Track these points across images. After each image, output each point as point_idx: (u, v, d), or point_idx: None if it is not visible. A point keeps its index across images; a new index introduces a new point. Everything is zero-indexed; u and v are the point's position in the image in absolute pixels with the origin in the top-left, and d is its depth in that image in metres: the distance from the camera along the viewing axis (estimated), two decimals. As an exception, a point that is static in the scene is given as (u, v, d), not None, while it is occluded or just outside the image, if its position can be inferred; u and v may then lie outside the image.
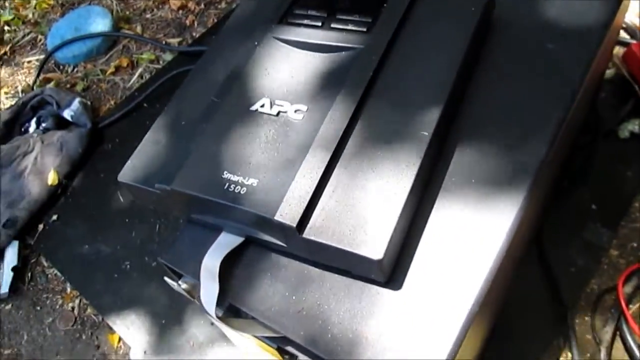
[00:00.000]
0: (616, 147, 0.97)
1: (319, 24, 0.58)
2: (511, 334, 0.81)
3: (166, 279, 0.55)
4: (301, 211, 0.45)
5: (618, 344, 0.78)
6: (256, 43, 0.58)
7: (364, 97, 0.51)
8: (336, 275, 0.49)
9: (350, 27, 0.56)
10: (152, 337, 0.90)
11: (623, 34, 1.08)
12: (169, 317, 0.92)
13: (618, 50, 1.06)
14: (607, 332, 0.76)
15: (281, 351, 0.53)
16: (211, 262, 0.51)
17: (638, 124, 0.97)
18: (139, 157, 0.55)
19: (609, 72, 1.03)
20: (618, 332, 0.77)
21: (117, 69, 1.30)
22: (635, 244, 0.87)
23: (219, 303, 0.51)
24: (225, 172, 0.49)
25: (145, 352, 0.89)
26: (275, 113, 0.52)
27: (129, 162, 0.55)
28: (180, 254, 0.53)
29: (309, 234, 0.46)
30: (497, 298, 0.51)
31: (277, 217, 0.45)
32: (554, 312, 0.83)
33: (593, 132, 0.97)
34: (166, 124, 0.57)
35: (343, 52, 0.55)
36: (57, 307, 1.00)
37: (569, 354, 0.79)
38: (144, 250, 1.00)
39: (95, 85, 1.29)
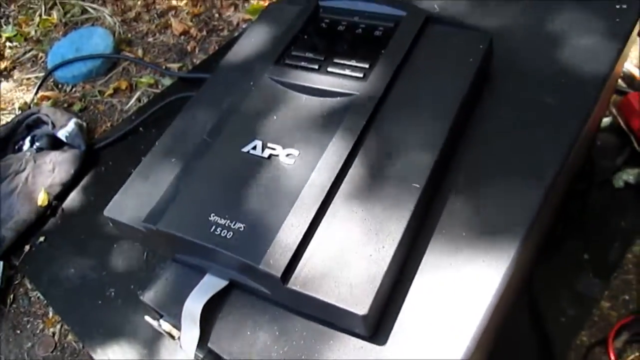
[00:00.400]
0: (611, 196, 0.96)
1: (316, 67, 0.57)
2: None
3: (147, 318, 0.53)
4: (287, 261, 0.44)
5: (607, 400, 0.76)
6: (252, 83, 0.58)
7: (356, 145, 0.51)
8: (321, 326, 0.48)
9: (347, 72, 0.56)
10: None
11: (620, 82, 1.08)
12: (151, 349, 0.90)
13: (615, 97, 1.07)
14: (596, 388, 0.74)
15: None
16: (193, 306, 0.50)
17: (633, 175, 0.97)
18: (126, 193, 0.54)
19: (606, 120, 1.03)
20: (608, 388, 0.76)
21: (116, 91, 1.30)
22: (627, 297, 0.86)
23: (200, 346, 0.50)
24: (212, 214, 0.49)
25: (124, 385, 0.87)
26: (266, 156, 0.52)
27: (116, 196, 0.54)
28: (162, 294, 0.52)
29: (293, 284, 0.45)
30: (486, 351, 0.50)
31: (262, 266, 0.44)
32: (543, 364, 0.81)
33: (588, 180, 0.97)
34: (156, 160, 0.56)
35: (338, 98, 0.54)
36: (38, 331, 0.98)
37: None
38: (130, 278, 0.98)
39: (93, 106, 1.29)
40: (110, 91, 1.30)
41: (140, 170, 0.56)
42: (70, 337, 0.96)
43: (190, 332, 0.48)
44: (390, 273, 0.45)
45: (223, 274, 0.51)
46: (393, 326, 0.47)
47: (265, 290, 0.48)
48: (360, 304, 0.43)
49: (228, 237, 0.47)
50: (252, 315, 0.50)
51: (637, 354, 0.80)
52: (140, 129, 1.19)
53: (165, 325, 0.54)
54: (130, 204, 0.54)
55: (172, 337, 0.55)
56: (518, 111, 0.58)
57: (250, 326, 0.49)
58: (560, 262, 0.89)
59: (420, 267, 0.49)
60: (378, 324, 0.46)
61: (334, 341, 0.47)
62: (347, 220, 0.47)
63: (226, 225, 0.48)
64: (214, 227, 0.48)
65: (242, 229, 0.47)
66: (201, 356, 0.51)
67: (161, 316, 0.55)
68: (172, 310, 0.51)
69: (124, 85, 1.30)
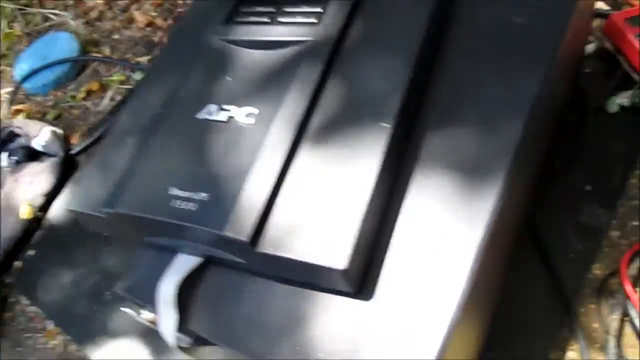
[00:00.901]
0: (607, 122, 0.92)
1: (267, 19, 0.53)
2: (514, 330, 0.76)
3: (123, 309, 0.50)
4: (253, 224, 0.41)
5: (627, 329, 0.73)
6: (202, 47, 0.54)
7: (316, 93, 0.47)
8: (304, 289, 0.44)
9: (299, 19, 0.52)
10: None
11: (602, 5, 1.04)
12: (156, 348, 0.87)
13: (600, 22, 1.02)
14: (614, 319, 0.71)
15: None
16: (167, 288, 0.47)
17: (627, 97, 0.92)
18: (83, 182, 0.51)
19: (591, 47, 0.98)
20: (626, 318, 0.72)
21: (88, 93, 1.26)
22: (635, 223, 0.82)
23: (183, 330, 0.46)
24: (171, 187, 0.45)
25: (131, 387, 0.84)
26: (224, 119, 0.48)
27: (71, 187, 0.51)
28: (135, 282, 0.49)
29: (264, 247, 0.41)
30: (488, 293, 0.46)
31: (227, 233, 0.41)
32: (556, 303, 0.78)
33: (581, 109, 0.92)
34: (112, 144, 0.53)
35: (293, 47, 0.50)
36: (40, 346, 0.95)
37: (577, 346, 0.74)
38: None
39: (67, 112, 1.25)
40: (82, 95, 1.26)
41: (97, 157, 0.53)
42: (73, 346, 0.93)
43: (167, 316, 0.45)
44: (367, 222, 0.42)
45: (194, 251, 0.47)
46: (378, 279, 0.44)
47: (239, 260, 0.45)
48: (338, 259, 0.40)
49: (191, 208, 0.44)
50: (231, 289, 0.46)
51: (653, 279, 0.77)
52: (116, 127, 1.15)
53: (147, 315, 0.51)
54: (88, 192, 0.50)
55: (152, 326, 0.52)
56: (488, 37, 0.53)
57: (231, 301, 0.46)
58: (562, 197, 0.85)
59: (402, 211, 0.46)
60: (362, 278, 0.43)
61: (319, 303, 0.43)
62: (315, 172, 0.44)
63: (188, 197, 0.45)
64: (174, 201, 0.44)
65: (206, 198, 0.44)
66: (188, 340, 0.48)
67: (142, 307, 0.52)
68: (147, 297, 0.48)
69: (95, 86, 1.26)
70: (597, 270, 0.79)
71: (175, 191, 0.45)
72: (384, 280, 0.43)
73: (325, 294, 0.44)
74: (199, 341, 0.49)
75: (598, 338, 0.73)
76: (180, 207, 0.44)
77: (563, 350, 0.74)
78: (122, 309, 0.50)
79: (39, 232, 1.07)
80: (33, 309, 0.99)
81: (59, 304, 0.97)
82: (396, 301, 0.42)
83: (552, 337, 0.75)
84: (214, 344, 0.49)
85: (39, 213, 1.06)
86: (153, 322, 0.52)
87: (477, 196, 0.45)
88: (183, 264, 0.47)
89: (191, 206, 0.44)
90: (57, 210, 1.08)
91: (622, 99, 0.92)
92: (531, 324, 0.77)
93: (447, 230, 0.43)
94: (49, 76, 1.29)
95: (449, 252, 0.43)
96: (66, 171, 1.10)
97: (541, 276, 0.80)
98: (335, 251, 0.40)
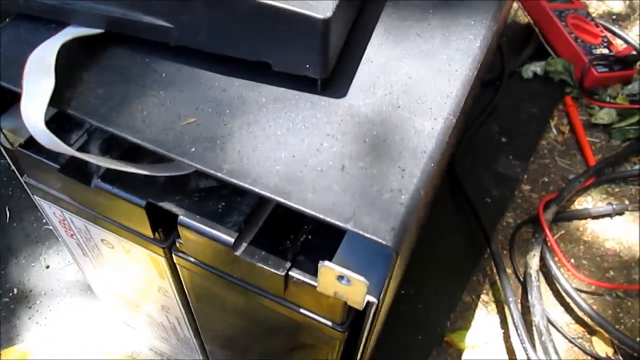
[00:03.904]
0: (521, 86, 0.92)
1: None
2: (430, 269, 0.69)
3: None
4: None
5: (540, 276, 0.69)
6: None
7: None
8: (244, 80, 0.32)
9: None
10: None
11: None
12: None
13: None
14: (532, 259, 0.67)
15: (153, 214, 0.34)
16: (44, 52, 0.31)
17: (540, 66, 0.93)
18: None
19: (509, 17, 0.99)
20: (541, 263, 0.68)
21: None
22: (545, 179, 0.81)
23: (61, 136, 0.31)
24: None
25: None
26: None
27: None
28: (-8, 56, 0.33)
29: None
30: (432, 191, 0.36)
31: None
32: (472, 246, 0.73)
33: (499, 71, 0.91)
34: None
35: None
36: None
37: (489, 291, 0.69)
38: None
39: None
40: None
41: None
42: None
43: (37, 85, 0.30)
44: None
45: (95, 18, 0.33)
46: (352, 80, 0.33)
47: (164, 24, 0.31)
48: (320, 7, 0.28)
49: None
50: (144, 74, 0.33)
51: (563, 231, 0.75)
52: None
53: (5, 122, 0.35)
54: None
55: (11, 143, 0.36)
56: None
57: (143, 87, 0.32)
58: (479, 144, 0.82)
59: (378, 22, 0.36)
60: (334, 69, 0.32)
61: (270, 96, 0.31)
62: None
63: None
64: None
65: None
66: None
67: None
68: (7, 72, 0.32)
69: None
70: (510, 219, 0.76)
71: None
72: (354, 86, 0.32)
73: (278, 87, 0.32)
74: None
75: (512, 283, 0.68)
76: None
77: (477, 292, 0.69)
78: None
79: None
80: None
81: None
82: (367, 109, 0.31)
83: (465, 280, 0.70)
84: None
85: None
86: (13, 132, 0.36)
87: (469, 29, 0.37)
88: (70, 33, 0.33)
89: None
90: None
91: (536, 67, 0.93)
92: (446, 265, 0.70)
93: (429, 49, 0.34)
94: None
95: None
96: None
97: (457, 219, 0.75)
98: (319, 3, 0.28)
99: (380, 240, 0.25)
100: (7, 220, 0.70)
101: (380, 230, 0.26)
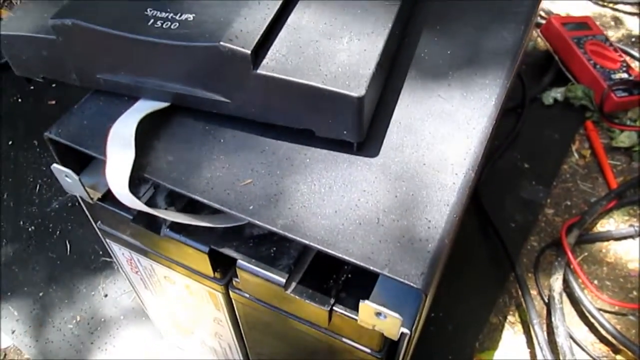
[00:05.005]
0: (542, 112, 0.96)
1: None
2: (457, 293, 0.73)
3: (56, 166, 0.40)
4: (257, 37, 0.34)
5: (564, 297, 0.72)
6: None
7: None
8: (295, 144, 0.38)
9: None
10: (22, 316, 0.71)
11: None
12: (48, 289, 0.73)
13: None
14: (555, 282, 0.70)
15: (214, 258, 0.40)
16: (124, 126, 0.38)
17: (560, 92, 0.97)
18: (18, 10, 0.41)
19: (529, 45, 1.03)
20: (565, 285, 0.72)
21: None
22: (568, 202, 0.84)
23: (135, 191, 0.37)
24: (148, 9, 0.37)
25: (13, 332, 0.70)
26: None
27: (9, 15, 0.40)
28: (79, 127, 0.39)
29: (267, 68, 0.34)
30: (463, 211, 0.41)
31: (225, 42, 0.34)
32: (497, 270, 0.76)
33: (521, 98, 0.95)
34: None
35: None
36: None
37: (515, 312, 0.73)
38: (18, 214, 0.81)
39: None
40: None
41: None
42: None
43: (121, 156, 0.36)
44: (383, 61, 0.37)
45: (163, 94, 0.39)
46: (383, 140, 0.38)
47: (222, 99, 0.37)
48: (355, 86, 0.34)
49: (173, 27, 0.36)
50: (206, 138, 0.38)
51: (586, 254, 0.78)
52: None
53: (87, 178, 0.42)
54: (32, 15, 0.40)
55: (91, 197, 0.42)
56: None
57: (205, 150, 0.38)
58: (502, 171, 0.86)
59: (404, 86, 0.41)
60: (367, 131, 0.37)
61: (314, 157, 0.37)
62: (326, 4, 0.38)
63: (169, 17, 0.37)
64: (153, 21, 0.36)
65: (191, 18, 0.36)
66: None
67: (80, 170, 0.42)
68: (94, 142, 0.38)
69: None
70: (535, 243, 0.80)
71: (152, 12, 0.37)
72: (387, 143, 0.38)
73: (320, 149, 0.37)
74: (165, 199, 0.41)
75: (537, 304, 0.72)
76: (160, 26, 0.36)
77: (504, 314, 0.72)
78: (54, 166, 0.40)
79: None
80: None
81: None
82: (398, 161, 0.36)
83: (491, 302, 0.73)
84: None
85: None
86: (93, 189, 0.42)
87: (485, 80, 0.42)
88: (143, 107, 0.39)
89: (173, 25, 0.36)
90: None
91: (556, 93, 0.96)
92: (473, 287, 0.74)
93: (451, 108, 0.40)
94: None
95: (456, 132, 0.38)
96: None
97: (483, 244, 0.79)
98: (352, 78, 0.34)
99: (411, 284, 0.30)
100: (68, 253, 0.77)
101: (412, 275, 0.31)
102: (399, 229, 0.33)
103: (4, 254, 0.76)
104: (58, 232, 0.78)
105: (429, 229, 0.33)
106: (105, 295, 0.72)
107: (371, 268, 0.31)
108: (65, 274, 0.74)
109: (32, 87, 0.93)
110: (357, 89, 0.34)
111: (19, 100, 0.93)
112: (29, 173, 0.85)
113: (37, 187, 0.83)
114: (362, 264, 0.31)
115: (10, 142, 0.90)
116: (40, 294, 0.72)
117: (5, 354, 0.67)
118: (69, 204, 0.81)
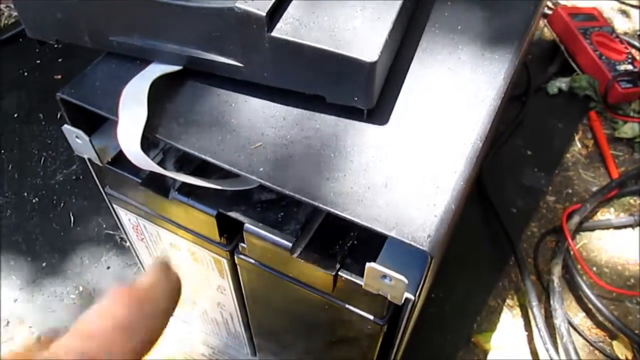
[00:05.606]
0: (546, 102, 0.96)
1: None
2: (457, 274, 0.74)
3: (67, 127, 0.41)
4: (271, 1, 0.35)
5: (563, 283, 0.73)
6: None
7: None
8: (301, 110, 0.38)
9: None
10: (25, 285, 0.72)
11: None
12: (51, 260, 0.74)
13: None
14: (555, 267, 0.71)
15: (221, 222, 0.41)
16: (137, 87, 0.38)
17: (565, 82, 0.97)
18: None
19: (535, 35, 1.04)
20: (564, 271, 0.73)
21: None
22: (569, 190, 0.85)
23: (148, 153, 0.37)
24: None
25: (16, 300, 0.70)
26: None
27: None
28: (91, 88, 0.40)
29: (280, 31, 0.35)
30: (469, 187, 0.42)
31: (240, 4, 0.34)
32: (496, 254, 0.77)
33: (525, 87, 0.96)
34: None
35: None
36: None
37: (513, 296, 0.73)
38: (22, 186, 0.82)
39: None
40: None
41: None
42: None
43: (132, 114, 0.36)
44: (394, 35, 0.37)
45: (175, 57, 0.39)
46: (393, 108, 0.39)
47: (235, 63, 0.37)
48: (368, 51, 0.34)
49: (188, -10, 0.36)
50: (218, 103, 0.39)
51: (586, 241, 0.79)
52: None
53: (97, 141, 0.42)
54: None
55: (101, 160, 0.42)
56: None
57: (217, 114, 0.38)
58: (505, 157, 0.87)
59: (414, 57, 0.42)
60: (378, 100, 0.38)
61: (324, 123, 0.37)
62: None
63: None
64: (167, -18, 0.37)
65: (205, -20, 0.37)
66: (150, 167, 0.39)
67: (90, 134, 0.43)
68: (106, 102, 0.38)
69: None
70: (535, 229, 0.80)
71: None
72: (397, 112, 0.38)
73: (330, 116, 0.38)
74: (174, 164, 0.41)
75: (536, 289, 0.73)
76: (174, -14, 0.36)
77: (502, 298, 0.73)
78: (65, 127, 0.40)
79: None
80: None
81: None
82: (409, 132, 0.37)
83: (492, 284, 0.74)
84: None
85: None
86: (102, 151, 0.43)
87: (493, 55, 0.42)
88: (156, 69, 0.39)
89: (186, -14, 0.36)
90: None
91: (561, 83, 0.97)
92: (473, 270, 0.75)
93: (460, 80, 0.40)
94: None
95: (465, 103, 0.39)
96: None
97: (485, 228, 0.79)
98: (365, 44, 0.34)
99: (418, 246, 0.31)
100: (71, 225, 0.77)
101: (418, 238, 0.31)
102: (407, 194, 0.33)
103: (8, 225, 0.76)
104: (62, 204, 0.79)
105: (437, 195, 0.33)
106: (108, 268, 0.73)
107: (378, 230, 0.32)
108: (69, 246, 0.75)
109: (38, 61, 0.93)
110: (369, 54, 0.34)
111: (25, 74, 0.93)
112: (34, 146, 0.86)
113: (42, 160, 0.84)
114: (369, 225, 0.32)
115: (15, 115, 0.90)
116: (44, 264, 0.73)
117: (8, 322, 0.67)
118: (74, 177, 0.82)
